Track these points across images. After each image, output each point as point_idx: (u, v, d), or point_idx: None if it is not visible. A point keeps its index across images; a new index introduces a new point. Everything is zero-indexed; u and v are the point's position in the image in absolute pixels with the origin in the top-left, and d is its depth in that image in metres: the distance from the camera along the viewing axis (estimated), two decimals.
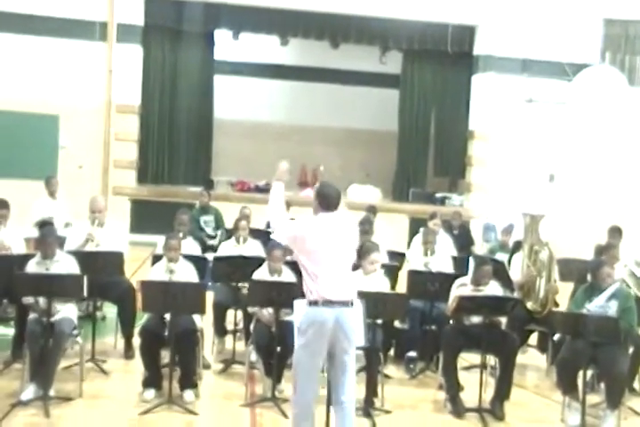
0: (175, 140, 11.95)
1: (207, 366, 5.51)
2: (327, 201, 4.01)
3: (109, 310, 6.40)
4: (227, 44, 12.69)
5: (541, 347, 6.21)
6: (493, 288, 5.28)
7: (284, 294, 4.81)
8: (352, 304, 3.93)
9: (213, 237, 8.14)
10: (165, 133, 11.87)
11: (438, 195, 12.22)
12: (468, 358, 5.87)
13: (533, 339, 6.32)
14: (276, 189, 4.12)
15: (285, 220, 4.06)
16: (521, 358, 6.23)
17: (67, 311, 4.91)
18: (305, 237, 3.93)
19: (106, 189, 10.73)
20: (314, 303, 3.90)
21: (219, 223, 8.43)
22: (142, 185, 11.48)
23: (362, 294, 4.26)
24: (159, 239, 6.44)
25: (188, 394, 4.89)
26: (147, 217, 10.46)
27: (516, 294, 5.87)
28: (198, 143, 12.23)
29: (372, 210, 8.92)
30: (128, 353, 5.67)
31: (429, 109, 12.55)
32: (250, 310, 5.26)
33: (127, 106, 11.01)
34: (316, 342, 3.86)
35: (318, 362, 3.91)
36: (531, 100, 11.57)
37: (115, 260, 5.60)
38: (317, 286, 3.90)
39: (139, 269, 7.42)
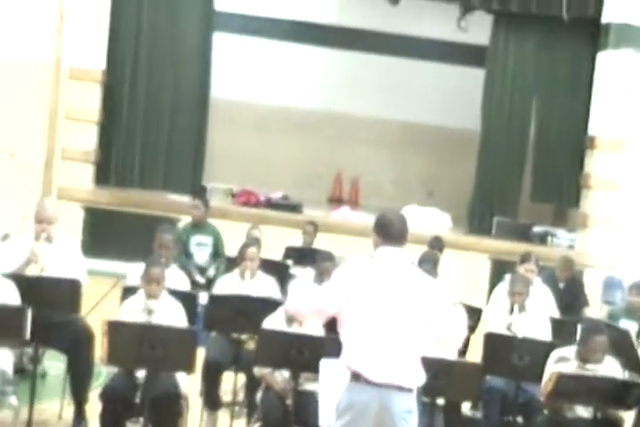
0: (154, 126, 12.24)
1: None
2: (390, 231, 4.32)
3: (52, 365, 6.69)
4: None
5: None
6: (610, 367, 5.51)
7: (307, 352, 5.11)
8: (408, 391, 4.17)
9: (205, 270, 8.45)
10: (140, 115, 12.16)
11: (537, 229, 12.43)
12: None
13: None
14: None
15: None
16: None
17: None
18: (355, 285, 4.21)
19: (48, 190, 11.08)
20: (355, 378, 4.17)
21: (218, 249, 8.73)
22: (102, 188, 11.76)
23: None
24: (128, 267, 6.82)
25: None
26: (107, 234, 10.83)
27: None
28: (186, 133, 12.49)
29: (437, 244, 9.19)
30: (79, 425, 5.92)
31: (529, 101, 12.82)
32: (256, 372, 5.56)
33: (85, 71, 11.37)
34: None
35: None
36: None
37: (68, 290, 5.86)
38: (356, 356, 4.17)
39: (96, 307, 7.75)
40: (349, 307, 4.20)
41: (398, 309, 4.20)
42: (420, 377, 4.26)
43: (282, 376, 5.43)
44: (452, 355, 4.99)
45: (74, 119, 11.32)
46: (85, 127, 11.44)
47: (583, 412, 5.38)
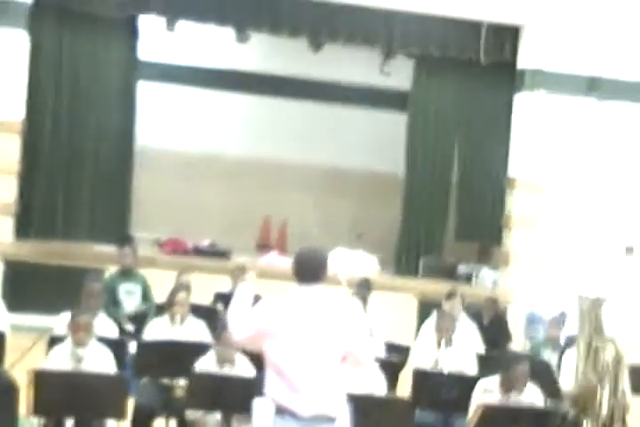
0: (76, 176, 12.19)
1: None
2: (302, 269, 4.41)
3: None
4: (157, 38, 13.15)
5: None
6: (532, 395, 5.64)
7: (240, 394, 5.12)
8: (332, 420, 4.24)
9: (134, 318, 8.37)
10: (62, 165, 12.09)
11: (462, 268, 12.66)
12: None
13: None
14: (243, 291, 4.61)
15: (246, 314, 4.48)
16: None
17: None
18: (271, 322, 4.30)
19: None
20: (280, 411, 4.22)
21: (147, 297, 8.71)
22: (23, 240, 11.64)
23: (347, 397, 4.56)
24: (53, 320, 6.72)
25: None
26: (29, 288, 10.63)
27: (567, 409, 6.18)
28: (111, 182, 12.45)
29: (366, 285, 9.28)
30: None
31: (451, 143, 13.12)
32: (188, 417, 5.51)
33: (4, 122, 11.30)
34: None
35: None
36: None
37: None
38: (281, 391, 4.21)
39: (20, 361, 7.57)
40: (267, 343, 4.28)
41: (314, 341, 4.29)
42: (342, 406, 4.28)
43: (214, 419, 5.39)
44: (366, 374, 5.02)
45: None
46: (5, 179, 11.31)
47: None
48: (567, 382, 6.36)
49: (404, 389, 6.22)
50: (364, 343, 4.44)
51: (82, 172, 12.23)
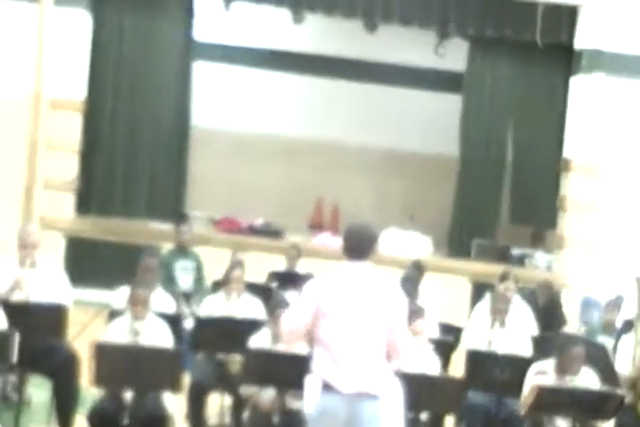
0: (134, 155, 12.38)
1: None
2: (347, 245, 4.42)
3: (35, 392, 6.70)
4: (213, 18, 13.27)
5: None
6: (587, 379, 5.63)
7: (294, 371, 5.17)
8: (375, 398, 4.28)
9: (189, 295, 8.51)
10: (120, 144, 12.31)
11: (515, 251, 12.59)
12: None
13: None
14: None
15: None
16: None
17: None
18: (320, 299, 4.33)
19: (29, 219, 11.06)
20: (325, 386, 4.29)
21: (201, 273, 8.83)
22: (84, 217, 11.86)
23: (401, 376, 4.61)
24: (112, 294, 6.87)
25: None
26: (89, 263, 10.89)
27: (623, 393, 6.15)
28: (168, 161, 12.65)
29: (418, 267, 9.30)
30: None
31: (505, 125, 13.06)
32: (243, 392, 5.61)
33: (66, 101, 11.48)
34: None
35: None
36: None
37: (54, 316, 5.95)
38: (327, 367, 4.30)
39: (81, 334, 7.78)
40: (317, 320, 4.30)
41: (360, 319, 4.32)
42: (387, 385, 4.33)
43: (268, 395, 5.47)
44: (404, 365, 5.05)
45: (55, 149, 11.40)
46: (66, 157, 11.52)
47: (563, 424, 5.46)
48: (624, 366, 6.33)
49: (457, 370, 6.25)
50: (405, 334, 4.47)
51: (140, 151, 12.41)
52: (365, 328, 4.29)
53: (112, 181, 12.26)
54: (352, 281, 4.36)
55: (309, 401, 4.66)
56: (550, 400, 5.26)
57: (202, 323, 6.27)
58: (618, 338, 7.22)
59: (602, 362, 6.30)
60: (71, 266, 10.75)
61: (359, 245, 4.39)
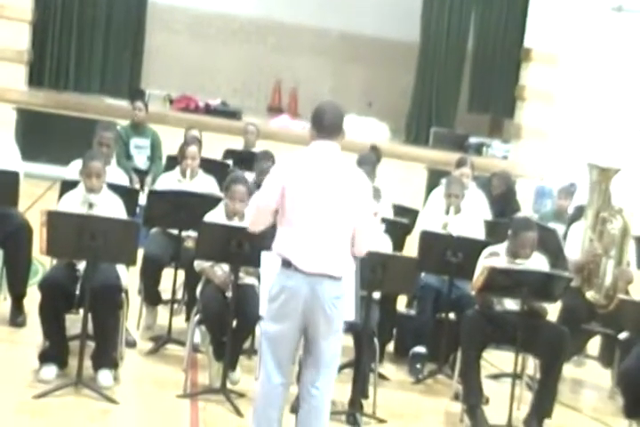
0: (89, 28, 12.03)
1: (132, 344, 5.82)
2: (321, 122, 4.27)
3: None
4: None
5: (605, 358, 6.54)
6: (538, 263, 5.60)
7: (247, 246, 5.08)
8: (336, 280, 4.23)
9: (144, 173, 8.34)
10: (75, 15, 11.93)
11: (473, 140, 12.58)
12: (496, 361, 6.24)
13: (594, 346, 6.67)
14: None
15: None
16: (576, 373, 6.65)
17: None
18: (288, 176, 4.22)
19: None
20: (286, 264, 4.21)
21: (156, 152, 8.67)
22: (36, 89, 11.58)
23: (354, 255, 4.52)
24: (63, 169, 6.66)
25: (105, 375, 5.16)
26: (41, 137, 10.63)
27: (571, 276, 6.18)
28: (124, 36, 12.33)
29: (375, 152, 9.18)
30: (17, 319, 5.90)
31: (467, 13, 12.81)
32: (197, 266, 5.53)
33: None
34: (291, 312, 4.18)
35: (292, 335, 4.24)
36: (620, 8, 11.83)
37: (5, 182, 5.76)
38: (290, 245, 4.20)
39: (32, 206, 7.62)
40: (284, 199, 4.22)
41: (328, 200, 4.23)
42: (347, 266, 4.31)
43: (222, 270, 5.41)
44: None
45: (6, 18, 11.05)
46: (18, 27, 11.19)
47: (511, 305, 5.49)
48: (573, 252, 6.35)
49: (411, 253, 6.22)
50: (371, 219, 4.38)
51: (95, 24, 12.09)
52: (332, 210, 4.21)
53: (66, 54, 11.95)
54: (320, 161, 4.25)
55: (265, 278, 4.61)
56: (500, 281, 5.27)
57: (156, 196, 6.10)
58: (569, 225, 7.22)
59: (552, 247, 6.31)
60: (22, 139, 10.42)
61: (332, 122, 4.27)
